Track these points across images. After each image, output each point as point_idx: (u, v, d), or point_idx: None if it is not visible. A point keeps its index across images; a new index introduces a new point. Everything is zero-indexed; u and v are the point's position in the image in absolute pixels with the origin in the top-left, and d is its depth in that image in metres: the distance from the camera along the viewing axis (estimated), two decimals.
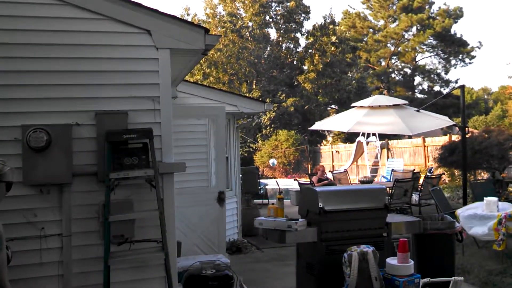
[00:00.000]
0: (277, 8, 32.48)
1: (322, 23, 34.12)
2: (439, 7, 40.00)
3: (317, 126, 17.20)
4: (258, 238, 9.20)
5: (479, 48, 47.85)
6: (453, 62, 41.12)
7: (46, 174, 3.96)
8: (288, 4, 32.29)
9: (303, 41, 34.08)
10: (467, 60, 40.82)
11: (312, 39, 32.62)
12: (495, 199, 7.46)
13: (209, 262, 4.55)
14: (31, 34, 4.05)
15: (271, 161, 25.61)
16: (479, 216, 7.25)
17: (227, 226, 7.74)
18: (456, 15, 39.30)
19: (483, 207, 7.39)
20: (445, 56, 41.24)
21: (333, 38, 31.81)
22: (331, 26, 33.82)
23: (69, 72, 4.13)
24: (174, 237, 4.34)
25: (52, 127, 3.99)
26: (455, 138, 16.38)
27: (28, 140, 3.89)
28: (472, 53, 40.35)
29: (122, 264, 4.08)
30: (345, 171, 16.08)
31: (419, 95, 41.26)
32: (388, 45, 40.47)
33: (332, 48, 31.39)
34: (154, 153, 4.08)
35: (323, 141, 33.66)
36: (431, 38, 39.31)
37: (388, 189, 10.46)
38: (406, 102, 15.97)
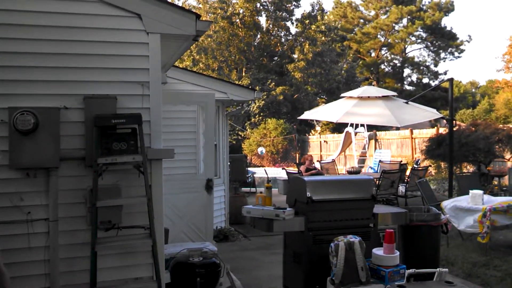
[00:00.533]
0: None
1: (311, 11, 34.06)
2: (430, 0, 40.11)
3: (306, 115, 17.20)
4: (245, 226, 9.23)
5: (469, 42, 48.31)
6: (442, 55, 41.39)
7: (33, 157, 3.90)
8: None
9: (293, 30, 34.04)
10: (456, 54, 41.10)
11: (301, 27, 32.53)
12: (480, 192, 7.53)
13: (196, 249, 4.55)
14: (19, 15, 3.96)
15: (260, 149, 25.62)
16: (464, 209, 7.33)
17: (214, 213, 7.74)
18: (447, 8, 39.44)
19: (468, 200, 7.47)
20: (435, 49, 41.44)
21: (323, 27, 31.72)
22: (319, 13, 33.76)
23: (57, 54, 4.06)
24: (162, 223, 4.32)
25: (39, 110, 3.92)
26: (443, 130, 16.50)
27: (15, 123, 3.83)
28: (462, 47, 40.67)
29: (109, 250, 4.06)
30: (333, 161, 16.13)
31: (408, 87, 41.50)
32: (378, 36, 40.52)
33: (321, 37, 31.32)
34: (142, 138, 4.05)
35: (312, 130, 33.73)
36: (421, 30, 39.48)
37: (375, 180, 10.53)
38: (395, 93, 16.00)
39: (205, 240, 6.57)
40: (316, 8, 34.72)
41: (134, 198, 4.19)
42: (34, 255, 3.95)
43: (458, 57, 41.38)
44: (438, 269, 4.51)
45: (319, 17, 32.84)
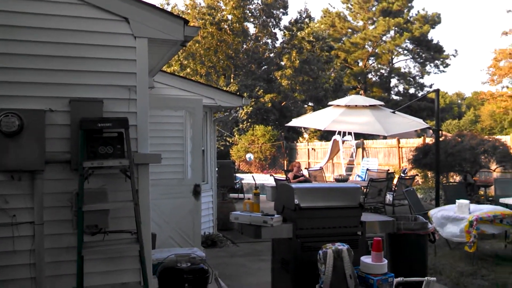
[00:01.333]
0: (257, 2, 32.38)
1: (298, 18, 34.22)
2: (418, 11, 40.60)
3: (294, 122, 17.25)
4: (233, 232, 9.19)
5: (454, 56, 48.90)
6: (428, 67, 41.80)
7: (18, 160, 3.83)
8: None
9: (280, 37, 34.16)
10: (441, 67, 41.54)
11: (288, 35, 32.67)
12: (467, 201, 7.56)
13: (184, 255, 4.49)
14: (5, 16, 3.90)
15: (248, 155, 25.58)
16: (451, 218, 7.35)
17: (202, 219, 7.68)
18: (433, 21, 39.90)
19: (455, 209, 7.50)
20: (421, 61, 41.87)
21: (310, 37, 31.85)
22: (306, 21, 33.94)
23: (43, 56, 4.00)
24: (149, 228, 4.26)
25: (24, 112, 3.86)
26: (429, 140, 16.62)
27: None
28: (447, 61, 41.14)
29: (96, 254, 3.99)
30: (321, 168, 16.16)
31: (394, 97, 41.82)
32: (366, 46, 40.82)
33: (308, 46, 31.46)
34: (129, 143, 3.99)
35: (300, 138, 33.80)
36: (408, 41, 39.86)
37: (363, 188, 10.54)
38: (382, 103, 16.12)
39: (193, 246, 6.51)
40: (304, 15, 34.93)
41: (120, 203, 4.13)
42: (19, 258, 3.88)
43: (443, 71, 41.85)
44: (426, 278, 4.50)
45: (305, 26, 33.00)
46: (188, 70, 29.11)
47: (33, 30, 3.98)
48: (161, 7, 19.72)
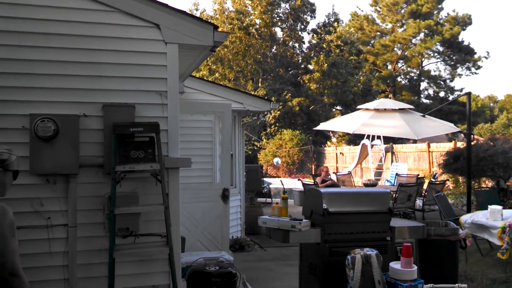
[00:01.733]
0: (284, 6, 32.41)
1: (325, 21, 34.09)
2: (448, 13, 39.91)
3: (322, 126, 17.18)
4: (261, 236, 9.20)
5: (486, 58, 47.86)
6: (459, 70, 41.04)
7: (53, 164, 3.95)
8: (295, 1, 32.22)
9: (308, 41, 34.13)
10: (473, 69, 40.71)
11: (316, 38, 32.58)
12: (500, 207, 7.40)
13: (212, 258, 4.55)
14: (41, 24, 4.04)
15: (275, 160, 25.57)
16: (483, 224, 7.21)
17: (230, 223, 7.73)
18: (464, 22, 39.17)
19: (487, 215, 7.35)
20: (452, 63, 41.14)
21: (338, 41, 31.73)
22: (334, 24, 33.80)
23: (77, 63, 4.12)
24: (179, 232, 4.33)
25: (59, 117, 3.98)
26: (460, 144, 16.31)
27: (36, 129, 3.89)
28: (479, 63, 40.23)
29: (127, 257, 4.08)
30: (349, 173, 16.04)
31: (424, 100, 41.19)
32: (395, 49, 40.37)
33: (336, 50, 31.33)
34: (160, 147, 4.07)
35: (328, 142, 33.60)
36: (438, 44, 39.22)
37: (392, 193, 10.43)
38: (411, 106, 15.93)
39: (221, 250, 6.56)
40: (332, 19, 34.79)
41: (151, 206, 4.21)
42: (53, 260, 3.99)
43: (475, 73, 41.00)
44: (456, 284, 4.45)
45: (333, 30, 32.87)
46: (217, 74, 29.31)
47: (67, 37, 4.10)
48: (190, 12, 19.95)
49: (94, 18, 4.17)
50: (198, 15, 29.70)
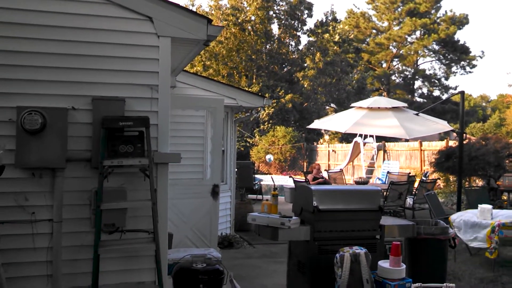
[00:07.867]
0: (281, 3, 32.35)
1: (323, 19, 34.06)
2: (445, 12, 40.01)
3: (316, 124, 17.17)
4: (250, 233, 9.17)
5: (481, 57, 48.12)
6: (453, 68, 41.22)
7: (40, 157, 3.89)
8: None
9: (305, 39, 34.13)
10: (468, 68, 40.92)
11: (314, 37, 32.56)
12: (489, 206, 7.43)
13: (200, 255, 4.51)
14: (30, 15, 3.97)
15: (268, 156, 25.57)
16: (473, 223, 7.23)
17: (220, 220, 7.69)
18: (461, 22, 39.31)
19: (477, 214, 7.37)
20: (447, 62, 41.30)
21: (337, 37, 31.74)
22: (332, 23, 33.79)
23: (67, 55, 4.06)
24: (166, 228, 4.29)
25: (47, 110, 3.91)
26: (452, 143, 16.38)
27: (23, 122, 3.82)
28: (474, 62, 40.47)
29: (112, 253, 4.03)
30: (341, 170, 16.06)
31: (418, 99, 41.36)
32: (390, 47, 40.43)
33: (335, 48, 31.34)
34: (149, 142, 4.02)
35: (320, 139, 33.65)
36: (434, 43, 39.32)
37: (383, 191, 10.44)
38: (405, 105, 15.95)
39: (209, 246, 6.52)
40: (330, 17, 34.76)
41: (139, 202, 4.16)
42: (37, 255, 3.93)
43: (470, 72, 41.23)
44: (444, 284, 4.45)
45: (330, 28, 32.87)
46: (211, 70, 29.23)
47: (58, 29, 4.03)
48: (185, 7, 19.73)
49: (85, 10, 4.10)
50: (194, 10, 29.56)
